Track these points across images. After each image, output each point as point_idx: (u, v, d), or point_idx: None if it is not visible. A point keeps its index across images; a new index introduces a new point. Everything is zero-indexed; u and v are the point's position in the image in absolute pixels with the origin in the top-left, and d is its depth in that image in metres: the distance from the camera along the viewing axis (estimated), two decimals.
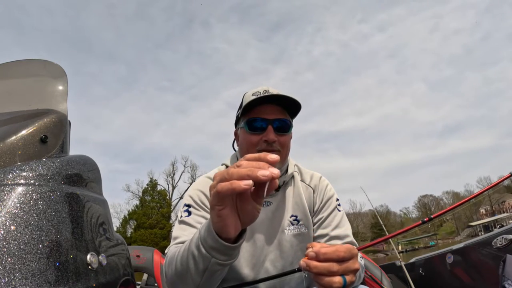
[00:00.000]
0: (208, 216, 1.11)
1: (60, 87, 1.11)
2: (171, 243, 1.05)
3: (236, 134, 1.29)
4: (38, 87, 1.14)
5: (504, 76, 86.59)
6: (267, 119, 1.13)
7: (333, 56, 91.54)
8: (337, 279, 0.67)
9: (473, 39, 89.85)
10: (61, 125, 1.03)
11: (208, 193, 1.15)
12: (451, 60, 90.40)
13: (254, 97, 1.14)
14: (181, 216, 1.11)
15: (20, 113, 1.04)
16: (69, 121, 1.09)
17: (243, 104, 1.18)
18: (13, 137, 0.90)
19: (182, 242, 1.02)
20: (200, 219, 1.09)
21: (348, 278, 0.69)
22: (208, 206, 1.13)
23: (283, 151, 1.17)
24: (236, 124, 1.27)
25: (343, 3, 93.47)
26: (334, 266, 0.68)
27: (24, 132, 0.92)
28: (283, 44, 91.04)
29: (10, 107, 1.08)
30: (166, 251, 1.05)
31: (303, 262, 0.69)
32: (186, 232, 1.06)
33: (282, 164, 1.20)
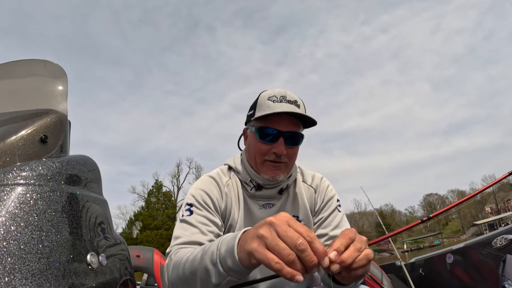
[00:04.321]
0: (210, 216, 1.10)
1: (60, 87, 1.11)
2: (172, 243, 1.05)
3: (245, 132, 1.28)
4: (38, 87, 1.14)
5: (507, 74, 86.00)
6: (279, 131, 1.12)
7: (337, 57, 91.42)
8: (368, 251, 0.69)
9: (475, 38, 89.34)
10: (61, 125, 1.02)
11: (211, 193, 1.15)
12: (454, 60, 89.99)
13: (270, 102, 1.13)
14: (182, 215, 1.10)
15: (20, 113, 1.04)
16: (69, 121, 1.08)
17: (257, 105, 1.17)
18: (13, 137, 0.90)
19: (184, 243, 1.02)
20: (202, 219, 1.09)
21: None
22: (211, 206, 1.13)
23: (289, 162, 1.17)
24: (247, 122, 1.25)
25: (346, 5, 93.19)
26: (357, 245, 0.69)
27: (24, 132, 0.92)
28: (287, 47, 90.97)
29: (10, 107, 1.07)
30: (168, 251, 1.05)
31: (335, 266, 0.66)
32: (188, 232, 1.05)
33: (287, 173, 1.19)
